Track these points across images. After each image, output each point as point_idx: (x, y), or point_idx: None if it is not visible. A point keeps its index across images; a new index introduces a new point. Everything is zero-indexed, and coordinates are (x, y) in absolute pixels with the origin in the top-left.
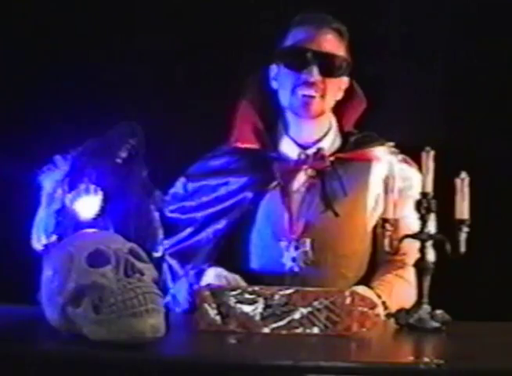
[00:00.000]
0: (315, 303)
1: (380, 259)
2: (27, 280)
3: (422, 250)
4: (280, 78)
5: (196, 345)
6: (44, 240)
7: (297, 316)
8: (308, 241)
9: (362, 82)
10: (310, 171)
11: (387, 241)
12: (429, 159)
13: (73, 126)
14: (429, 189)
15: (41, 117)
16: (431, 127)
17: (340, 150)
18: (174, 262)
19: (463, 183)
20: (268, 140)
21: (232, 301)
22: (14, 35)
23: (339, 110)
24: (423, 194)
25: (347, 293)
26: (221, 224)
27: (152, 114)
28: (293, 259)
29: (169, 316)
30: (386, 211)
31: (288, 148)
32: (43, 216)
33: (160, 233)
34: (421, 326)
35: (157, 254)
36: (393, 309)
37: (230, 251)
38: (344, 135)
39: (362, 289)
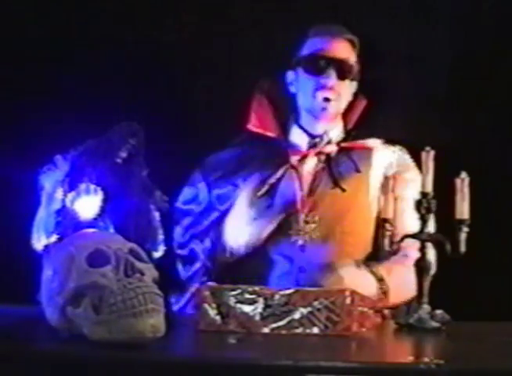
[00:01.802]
0: (315, 303)
1: (382, 254)
2: (27, 280)
3: (422, 250)
4: (300, 83)
5: (196, 345)
6: (44, 240)
7: (297, 316)
8: (316, 216)
9: (365, 83)
10: (320, 155)
11: (387, 241)
12: (429, 159)
13: (73, 126)
14: (429, 189)
15: (41, 117)
16: (431, 127)
17: (342, 141)
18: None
19: (463, 183)
20: (281, 130)
21: (232, 301)
22: (14, 35)
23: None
24: (423, 194)
25: (347, 293)
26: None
27: (152, 114)
28: (300, 232)
29: (169, 316)
30: (386, 211)
31: (298, 138)
32: (43, 216)
33: (160, 233)
34: (421, 326)
35: (157, 254)
36: (392, 287)
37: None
38: (347, 132)
39: (352, 268)
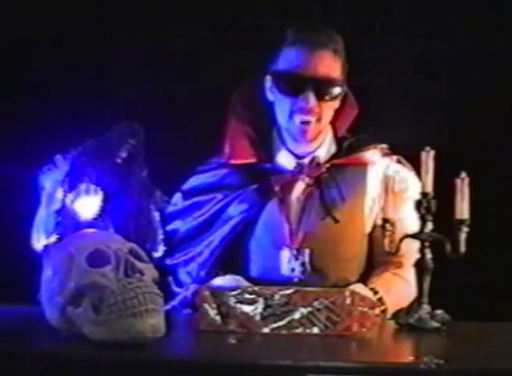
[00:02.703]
0: (315, 303)
1: (377, 261)
2: (27, 280)
3: (422, 250)
4: (276, 99)
5: (196, 345)
6: (44, 240)
7: (297, 316)
8: (307, 252)
9: (364, 84)
10: (307, 180)
11: (387, 241)
12: (429, 159)
13: (73, 126)
14: (429, 189)
15: (41, 117)
16: (431, 127)
17: (335, 156)
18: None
19: (463, 183)
20: (263, 152)
21: (232, 301)
22: (14, 34)
23: (333, 116)
24: (423, 194)
25: (347, 293)
26: (218, 237)
27: (152, 114)
28: (293, 270)
29: (169, 316)
30: (386, 211)
31: (285, 159)
32: (43, 216)
33: (160, 233)
34: (421, 326)
35: (157, 254)
36: (390, 305)
37: (230, 262)
38: (338, 140)
39: (358, 287)
